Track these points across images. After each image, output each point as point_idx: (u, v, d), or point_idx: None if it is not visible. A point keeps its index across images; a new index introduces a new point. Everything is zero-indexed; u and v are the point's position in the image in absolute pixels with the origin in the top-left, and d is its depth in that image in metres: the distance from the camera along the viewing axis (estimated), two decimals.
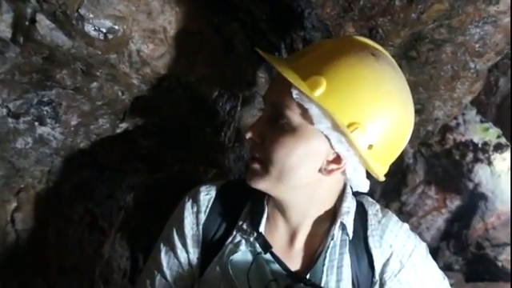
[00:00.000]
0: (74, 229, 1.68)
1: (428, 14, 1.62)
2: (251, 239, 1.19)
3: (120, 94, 1.47)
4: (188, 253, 1.24)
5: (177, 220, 1.26)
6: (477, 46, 1.85)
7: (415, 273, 1.23)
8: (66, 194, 1.63)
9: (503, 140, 4.77)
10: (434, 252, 5.39)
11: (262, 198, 1.22)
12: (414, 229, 5.44)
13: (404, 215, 5.52)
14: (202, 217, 1.23)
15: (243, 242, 1.19)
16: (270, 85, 1.17)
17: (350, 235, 1.20)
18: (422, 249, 1.27)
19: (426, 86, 1.92)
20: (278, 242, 1.20)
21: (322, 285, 1.17)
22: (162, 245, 1.27)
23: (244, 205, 1.25)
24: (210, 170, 1.95)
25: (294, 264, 1.21)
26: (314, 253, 1.21)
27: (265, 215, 1.20)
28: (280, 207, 1.20)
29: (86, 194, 1.69)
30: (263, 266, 1.17)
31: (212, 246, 1.22)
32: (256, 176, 1.13)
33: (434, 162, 5.38)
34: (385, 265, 1.22)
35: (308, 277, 1.18)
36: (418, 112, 2.07)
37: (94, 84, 1.39)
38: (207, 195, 1.26)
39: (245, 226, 1.21)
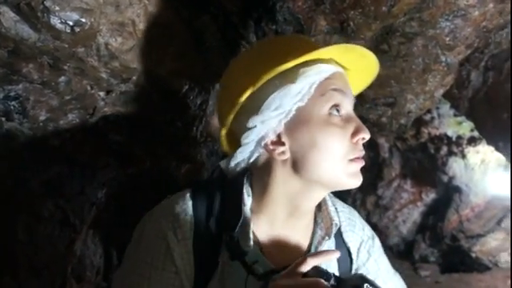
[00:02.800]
0: (45, 226, 1.65)
1: (399, 7, 1.63)
2: (247, 247, 1.11)
3: (89, 88, 1.43)
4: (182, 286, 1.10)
5: (160, 256, 1.10)
6: (447, 39, 1.87)
7: (376, 263, 1.31)
8: (35, 191, 1.59)
9: (476, 133, 4.84)
10: (410, 244, 5.46)
11: (236, 201, 1.12)
12: (391, 222, 5.54)
13: (380, 209, 5.58)
14: (190, 242, 1.10)
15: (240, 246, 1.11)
16: (331, 78, 1.07)
17: (335, 230, 1.22)
18: (379, 241, 1.36)
19: (398, 80, 1.93)
20: (273, 242, 1.17)
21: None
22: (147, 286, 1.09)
23: (222, 211, 1.14)
24: (183, 165, 1.93)
25: (291, 258, 1.21)
26: (308, 246, 1.21)
27: (248, 218, 1.11)
28: (307, 200, 1.15)
29: (56, 190, 1.66)
30: (259, 272, 1.13)
31: (206, 268, 1.12)
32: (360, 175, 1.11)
33: (409, 156, 5.44)
34: (357, 256, 1.30)
35: None
36: (390, 105, 2.09)
37: (62, 78, 1.36)
38: (186, 215, 1.12)
39: (233, 243, 1.10)
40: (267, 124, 1.05)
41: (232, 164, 1.12)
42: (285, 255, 1.17)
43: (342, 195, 1.33)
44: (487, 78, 2.93)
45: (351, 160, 1.06)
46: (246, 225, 1.11)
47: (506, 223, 5.13)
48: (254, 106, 1.05)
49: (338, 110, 1.06)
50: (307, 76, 1.04)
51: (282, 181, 1.11)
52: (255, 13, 1.69)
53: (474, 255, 5.11)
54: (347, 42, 1.71)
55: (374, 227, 5.41)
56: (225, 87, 1.17)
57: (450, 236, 5.26)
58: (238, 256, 1.10)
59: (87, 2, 1.23)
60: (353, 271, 1.29)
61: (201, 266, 1.11)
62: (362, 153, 1.09)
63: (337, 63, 1.11)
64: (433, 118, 5.10)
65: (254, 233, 1.14)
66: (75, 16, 1.22)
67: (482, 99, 3.08)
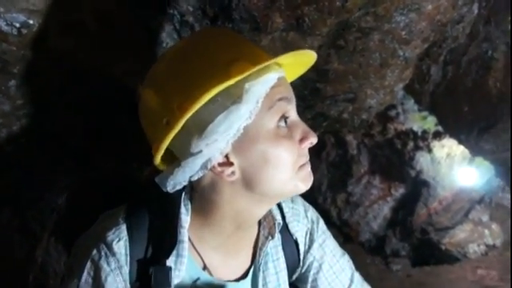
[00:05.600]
0: (2, 233, 1.61)
1: (352, 2, 1.64)
2: (180, 273, 1.08)
3: (41, 91, 1.41)
4: None
5: (90, 286, 1.04)
6: (403, 33, 1.89)
7: (321, 248, 1.33)
8: None
9: (441, 128, 4.91)
10: (382, 240, 5.50)
11: (173, 222, 1.08)
12: (361, 218, 5.58)
13: (351, 205, 5.62)
14: (126, 270, 1.05)
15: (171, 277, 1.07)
16: (276, 87, 1.01)
17: (278, 229, 1.23)
18: (323, 224, 1.37)
19: (356, 75, 1.95)
20: (218, 253, 1.15)
21: (261, 279, 1.20)
22: None
23: (158, 231, 1.09)
24: (145, 167, 1.91)
25: (238, 268, 1.20)
26: (254, 252, 1.22)
27: (185, 243, 1.08)
28: (256, 213, 1.12)
29: (14, 196, 1.63)
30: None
31: None
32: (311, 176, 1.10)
33: (377, 152, 5.49)
34: (304, 245, 1.31)
35: (250, 276, 1.20)
36: (350, 101, 2.11)
37: (12, 82, 1.33)
38: (120, 241, 1.05)
39: (169, 262, 1.07)
40: (213, 147, 0.97)
41: (171, 182, 1.02)
42: (231, 266, 1.18)
43: (312, 194, 1.34)
44: (446, 72, 2.98)
45: (300, 167, 1.05)
46: (183, 249, 1.07)
47: (473, 215, 5.22)
48: (197, 128, 0.96)
49: (285, 121, 1.03)
50: (254, 90, 0.96)
51: (232, 199, 1.06)
52: (211, 11, 1.68)
53: (443, 247, 5.17)
54: (304, 39, 1.74)
55: (345, 224, 5.49)
56: (152, 102, 1.03)
57: (419, 230, 5.32)
58: (163, 286, 1.05)
59: (34, 3, 1.20)
60: (301, 262, 1.31)
61: None
62: (308, 157, 1.08)
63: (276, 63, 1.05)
64: (398, 114, 5.16)
65: (195, 248, 1.12)
66: (22, 17, 1.19)
67: (442, 93, 3.13)
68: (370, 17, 1.78)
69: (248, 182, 1.03)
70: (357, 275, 1.39)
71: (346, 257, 1.39)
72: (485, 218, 5.26)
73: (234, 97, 0.96)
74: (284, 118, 1.02)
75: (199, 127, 0.96)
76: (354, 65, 1.91)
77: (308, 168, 1.07)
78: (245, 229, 1.15)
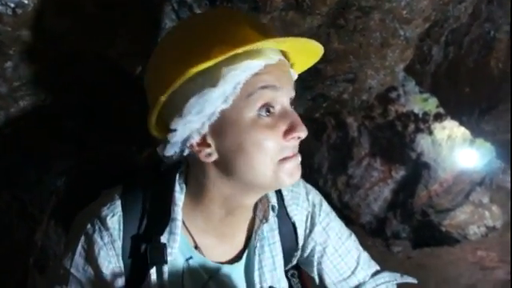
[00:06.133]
0: (2, 217, 1.60)
1: None
2: (173, 250, 1.09)
3: (38, 72, 1.39)
4: None
5: (83, 260, 1.06)
6: (404, 12, 1.86)
7: (324, 231, 1.32)
8: None
9: (442, 109, 4.90)
10: (382, 222, 5.53)
11: (167, 200, 1.10)
12: (362, 200, 5.59)
13: (351, 188, 5.63)
14: (119, 244, 1.06)
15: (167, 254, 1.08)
16: (262, 74, 0.98)
17: (276, 212, 1.22)
18: (327, 206, 1.36)
19: (357, 55, 1.92)
20: (210, 236, 1.15)
21: (256, 263, 1.19)
22: None
23: (152, 209, 1.11)
24: (144, 150, 1.90)
25: (232, 250, 1.20)
26: (249, 235, 1.21)
27: (178, 220, 1.08)
28: (245, 200, 1.11)
29: (12, 180, 1.62)
30: (196, 268, 1.14)
31: (138, 270, 1.08)
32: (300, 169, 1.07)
33: (377, 134, 5.48)
34: (304, 229, 1.30)
35: (244, 258, 1.19)
36: (350, 81, 2.09)
37: (9, 63, 1.30)
38: (114, 216, 1.07)
39: (163, 239, 1.08)
40: (189, 127, 0.98)
41: (164, 153, 1.05)
42: (224, 248, 1.18)
43: (312, 176, 1.33)
44: (448, 53, 2.96)
45: (283, 159, 1.01)
46: (176, 227, 1.08)
47: (474, 196, 5.23)
48: (176, 107, 0.98)
49: (268, 110, 0.99)
50: (232, 76, 0.95)
51: (217, 182, 1.06)
52: None
53: (443, 229, 5.20)
54: (304, 19, 1.71)
55: (346, 206, 5.50)
56: (149, 77, 1.08)
57: (420, 211, 5.34)
58: (158, 262, 1.06)
59: None
60: (299, 246, 1.30)
61: (133, 268, 1.08)
62: (295, 150, 1.04)
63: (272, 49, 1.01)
64: (399, 96, 5.15)
65: (187, 228, 1.13)
66: None
67: (443, 74, 3.11)
68: None
69: (227, 167, 1.02)
70: (364, 256, 1.38)
71: (353, 237, 1.38)
72: (485, 200, 5.27)
73: (211, 80, 0.95)
74: (267, 106, 0.99)
75: (178, 105, 0.97)
76: (355, 44, 1.88)
77: (294, 162, 1.04)
78: (236, 214, 1.14)
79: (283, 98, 1.02)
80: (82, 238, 1.06)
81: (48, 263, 1.93)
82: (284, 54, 1.06)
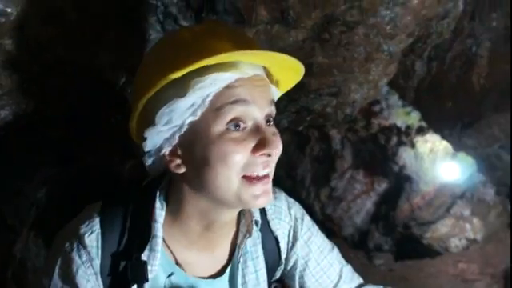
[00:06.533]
0: None
1: None
2: (153, 267, 1.07)
3: (20, 82, 1.38)
4: None
5: (61, 279, 1.04)
6: (388, 27, 1.88)
7: (306, 245, 1.32)
8: None
9: (424, 123, 4.94)
10: (365, 234, 5.53)
11: (147, 216, 1.08)
12: (344, 213, 5.59)
13: (334, 200, 5.63)
14: (97, 263, 1.05)
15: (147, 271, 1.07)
16: (234, 88, 0.98)
17: (259, 226, 1.22)
18: (309, 220, 1.36)
19: (340, 69, 1.93)
20: (190, 252, 1.15)
21: (240, 277, 1.19)
22: None
23: (133, 226, 1.09)
24: (127, 161, 1.89)
25: (214, 265, 1.20)
26: (232, 249, 1.21)
27: (158, 238, 1.07)
28: (220, 216, 1.11)
29: None
30: (178, 285, 1.13)
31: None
32: (271, 194, 1.05)
33: (360, 147, 5.50)
34: (286, 243, 1.29)
35: (227, 273, 1.19)
36: (334, 95, 2.10)
37: None
38: (92, 234, 1.05)
39: (143, 257, 1.06)
40: (160, 136, 0.99)
41: (146, 164, 1.06)
42: (205, 263, 1.17)
43: (295, 188, 1.33)
44: (431, 68, 2.99)
45: (251, 178, 1.00)
46: (156, 244, 1.06)
47: (455, 209, 5.25)
48: (149, 116, 0.99)
49: (237, 125, 0.98)
50: (200, 88, 0.94)
51: (190, 197, 1.06)
52: (195, 3, 1.66)
53: (425, 242, 5.21)
54: (288, 32, 1.72)
55: (329, 218, 5.50)
56: (134, 84, 1.10)
57: (402, 224, 5.35)
58: (139, 280, 1.05)
59: None
60: (282, 260, 1.29)
61: (112, 287, 1.07)
62: (266, 170, 1.02)
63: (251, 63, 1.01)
64: (382, 109, 5.17)
65: (167, 245, 1.12)
66: None
67: (426, 89, 3.14)
68: (355, 10, 1.77)
69: (194, 181, 1.02)
70: (346, 269, 1.37)
71: (335, 250, 1.38)
72: (466, 213, 5.30)
73: (180, 90, 0.95)
74: (237, 121, 0.98)
75: (151, 114, 0.99)
76: (339, 58, 1.90)
77: (263, 185, 1.02)
78: (215, 230, 1.13)
79: (256, 113, 1.00)
80: (60, 257, 1.05)
81: (27, 276, 1.90)
82: (266, 70, 1.06)
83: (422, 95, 3.23)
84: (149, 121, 0.99)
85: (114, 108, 1.61)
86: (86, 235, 1.05)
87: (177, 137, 0.99)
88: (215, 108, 0.96)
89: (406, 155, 5.22)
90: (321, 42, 1.82)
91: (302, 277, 1.32)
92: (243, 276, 1.19)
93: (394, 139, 5.25)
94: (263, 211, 1.25)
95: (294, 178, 5.61)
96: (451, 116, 3.18)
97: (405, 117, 5.15)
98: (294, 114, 2.20)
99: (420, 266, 5.04)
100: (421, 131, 5.13)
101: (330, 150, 5.62)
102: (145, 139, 1.00)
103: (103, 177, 1.89)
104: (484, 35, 2.72)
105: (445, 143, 4.85)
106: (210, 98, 0.96)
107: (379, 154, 5.39)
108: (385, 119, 5.20)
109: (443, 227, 5.24)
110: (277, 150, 1.01)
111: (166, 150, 1.01)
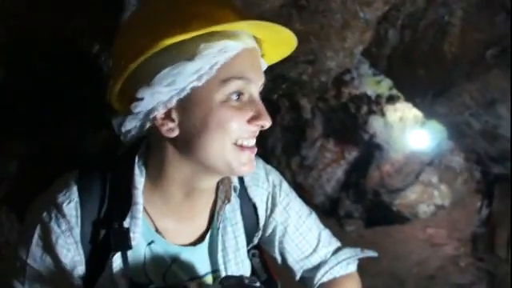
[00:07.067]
0: None
1: None
2: (135, 235, 1.06)
3: None
4: (70, 282, 1.04)
5: (41, 249, 1.03)
6: None
7: (285, 211, 1.32)
8: None
9: (394, 92, 4.98)
10: (335, 202, 5.61)
11: (127, 183, 1.07)
12: (315, 181, 5.65)
13: (305, 169, 5.68)
14: (77, 231, 1.03)
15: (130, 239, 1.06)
16: (238, 61, 0.98)
17: (237, 192, 1.22)
18: (286, 186, 1.36)
19: (317, 36, 1.92)
20: (170, 219, 1.14)
21: (220, 243, 1.19)
22: (23, 287, 1.03)
23: (112, 194, 1.07)
24: (100, 132, 1.85)
25: (193, 233, 1.19)
26: (211, 216, 1.20)
27: (139, 204, 1.06)
28: (202, 183, 1.10)
29: None
30: (158, 253, 1.12)
31: (99, 257, 1.05)
32: (254, 162, 1.07)
33: (331, 116, 5.53)
34: (265, 210, 1.30)
35: (207, 240, 1.18)
36: (310, 63, 2.09)
37: None
38: (70, 202, 1.03)
39: (125, 224, 1.05)
40: (157, 98, 0.96)
41: (122, 129, 1.03)
42: (185, 230, 1.17)
43: (266, 157, 1.32)
44: (404, 36, 2.99)
45: (242, 146, 1.02)
46: (137, 211, 1.06)
47: (424, 176, 5.35)
48: (145, 76, 0.96)
49: (238, 96, 1.00)
50: (208, 54, 0.94)
51: (174, 162, 1.05)
52: None
53: (395, 208, 5.31)
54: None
55: (300, 187, 5.54)
56: (119, 44, 1.04)
57: (372, 192, 5.43)
58: (122, 247, 1.04)
59: None
60: (260, 226, 1.29)
61: (93, 255, 1.06)
62: (254, 140, 1.05)
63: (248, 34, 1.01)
64: (353, 79, 5.18)
65: (147, 212, 1.11)
66: None
67: (399, 57, 3.15)
68: None
69: (186, 145, 1.01)
70: (324, 233, 1.38)
71: (313, 215, 1.39)
72: (434, 180, 5.41)
73: (187, 53, 0.94)
74: (238, 93, 1.00)
75: (148, 75, 0.96)
76: (316, 25, 1.88)
77: (250, 154, 1.05)
78: (195, 197, 1.13)
79: (254, 87, 1.03)
80: (38, 227, 1.03)
81: (0, 251, 1.86)
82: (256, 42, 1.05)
83: (394, 63, 3.24)
84: (139, 82, 0.96)
85: (87, 77, 1.56)
86: (65, 204, 1.03)
87: (175, 100, 0.97)
88: (221, 79, 0.96)
89: (376, 124, 5.27)
90: (298, 9, 1.79)
91: (281, 242, 1.34)
92: (223, 242, 1.19)
93: (365, 108, 5.29)
94: (241, 178, 1.25)
95: (265, 147, 5.63)
96: (423, 84, 3.21)
97: (375, 86, 5.18)
98: (270, 82, 2.18)
99: (390, 231, 5.14)
100: (391, 100, 5.17)
101: (301, 120, 5.63)
102: (138, 99, 0.97)
103: (76, 149, 1.85)
104: (456, 4, 2.72)
105: (414, 111, 4.91)
106: (217, 67, 0.96)
107: (349, 122, 5.43)
108: (355, 88, 5.22)
109: (412, 194, 5.34)
110: (270, 122, 1.03)
111: (159, 113, 0.98)
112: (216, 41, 0.95)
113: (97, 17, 1.46)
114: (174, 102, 0.98)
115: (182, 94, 0.97)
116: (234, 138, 1.01)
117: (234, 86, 0.98)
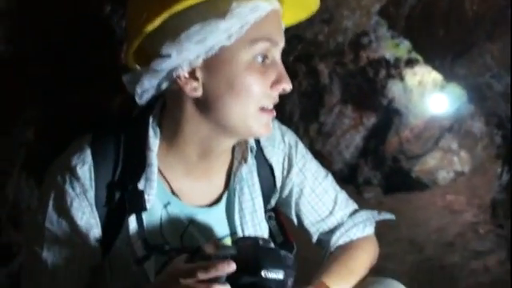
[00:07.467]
0: None
1: None
2: (150, 197, 1.05)
3: (4, 19, 1.29)
4: (86, 244, 1.04)
5: (57, 213, 1.03)
6: None
7: (301, 173, 1.30)
8: None
9: (413, 55, 4.89)
10: (354, 169, 5.59)
11: (141, 145, 1.05)
12: (334, 148, 5.62)
13: (323, 135, 5.65)
14: (91, 194, 1.03)
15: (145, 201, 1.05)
16: (266, 22, 0.97)
17: (254, 153, 1.20)
18: (302, 147, 1.33)
19: None
20: (186, 180, 1.12)
21: (237, 204, 1.17)
22: (42, 251, 1.02)
23: (126, 156, 1.06)
24: (116, 96, 1.83)
25: (210, 194, 1.17)
26: (227, 177, 1.19)
27: (154, 166, 1.05)
28: (219, 144, 1.09)
29: None
30: (175, 214, 1.11)
31: (114, 219, 1.05)
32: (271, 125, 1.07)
33: (349, 81, 5.47)
34: (281, 171, 1.28)
35: (224, 201, 1.17)
36: (326, 22, 2.03)
37: None
38: (84, 165, 1.03)
39: (140, 186, 1.04)
40: (184, 55, 0.94)
41: (139, 90, 1.00)
42: (202, 191, 1.15)
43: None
44: None
45: (263, 109, 1.01)
46: (152, 173, 1.05)
47: (443, 142, 5.30)
48: (171, 31, 0.94)
49: (263, 59, 0.98)
50: (239, 13, 0.92)
51: (193, 121, 1.03)
52: None
53: (414, 175, 5.28)
54: None
55: (318, 154, 5.52)
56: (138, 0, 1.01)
57: (391, 158, 5.40)
58: (137, 209, 1.03)
59: None
60: (277, 187, 1.28)
61: (109, 218, 1.05)
62: (275, 102, 1.04)
63: None
64: (370, 42, 5.10)
65: (163, 174, 1.09)
66: None
67: (417, 17, 3.07)
68: None
69: (208, 105, 1.00)
70: (341, 195, 1.36)
71: (330, 177, 1.36)
72: (454, 146, 5.35)
73: (217, 11, 0.92)
74: (264, 55, 0.98)
75: (174, 31, 0.93)
76: None
77: (270, 116, 1.04)
78: (211, 158, 1.11)
79: (277, 50, 1.01)
80: (53, 191, 1.03)
81: (21, 217, 1.87)
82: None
83: (412, 24, 3.15)
84: (164, 38, 0.94)
85: (100, 40, 1.54)
86: (78, 167, 1.02)
87: (201, 59, 0.95)
88: (250, 39, 0.95)
89: (394, 88, 5.20)
90: None
91: (297, 204, 1.31)
92: (240, 203, 1.18)
93: (383, 72, 5.22)
94: (257, 139, 1.23)
95: (283, 113, 5.59)
96: (443, 45, 3.12)
97: (393, 49, 5.09)
98: (285, 44, 2.14)
99: (409, 198, 5.12)
100: (410, 63, 5.10)
101: (318, 85, 5.58)
102: (163, 56, 0.94)
103: (92, 113, 1.84)
104: None
105: (434, 75, 4.83)
106: (247, 27, 0.94)
107: (368, 87, 5.37)
108: (373, 52, 5.14)
109: (431, 160, 5.30)
110: (291, 85, 1.03)
111: (184, 71, 0.96)
112: (246, 1, 0.93)
113: None
114: (200, 61, 0.95)
115: (210, 53, 0.95)
116: (257, 102, 1.00)
117: (262, 47, 0.96)
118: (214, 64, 0.96)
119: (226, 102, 0.98)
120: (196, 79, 0.97)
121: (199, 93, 0.98)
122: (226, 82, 0.97)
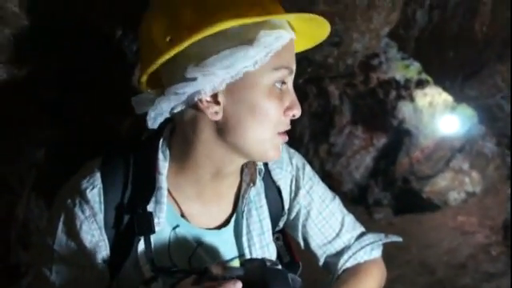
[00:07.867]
0: None
1: None
2: (160, 220, 1.06)
3: (12, 38, 1.31)
4: (95, 266, 1.05)
5: (66, 235, 1.04)
6: None
7: (308, 195, 1.30)
8: None
9: (423, 76, 4.90)
10: (364, 189, 5.56)
11: (150, 168, 1.07)
12: (344, 168, 5.61)
13: (333, 156, 5.64)
14: (101, 217, 1.04)
15: (154, 223, 1.06)
16: (286, 50, 1.00)
17: (262, 175, 1.21)
18: (310, 169, 1.34)
19: (342, 17, 1.88)
20: (196, 203, 1.13)
21: (245, 227, 1.18)
22: (51, 272, 1.04)
23: (135, 179, 1.07)
24: (125, 119, 1.84)
25: (218, 216, 1.18)
26: (236, 200, 1.19)
27: (163, 189, 1.06)
28: (231, 165, 1.10)
29: None
30: (184, 236, 1.11)
31: (123, 242, 1.06)
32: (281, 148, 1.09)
33: (359, 102, 5.48)
34: (289, 193, 1.28)
35: (232, 223, 1.18)
36: (336, 45, 2.05)
37: None
38: (94, 188, 1.04)
39: (149, 208, 1.05)
40: (209, 79, 0.94)
41: (152, 114, 1.01)
42: (210, 214, 1.16)
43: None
44: (432, 17, 2.92)
45: (279, 134, 1.03)
46: (161, 196, 1.05)
47: (454, 163, 5.27)
48: (197, 56, 0.94)
49: (280, 85, 1.00)
50: (265, 41, 0.94)
51: (208, 143, 1.03)
52: None
53: (424, 196, 5.25)
54: None
55: (328, 174, 5.51)
56: (160, 18, 1.00)
57: (401, 179, 5.37)
58: (146, 232, 1.04)
59: None
60: (285, 209, 1.28)
61: (117, 240, 1.05)
62: (287, 128, 1.05)
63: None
64: (381, 63, 5.12)
65: (172, 196, 1.10)
66: None
67: (427, 39, 3.08)
68: None
69: (227, 129, 1.00)
70: (348, 218, 1.36)
71: (337, 200, 1.36)
72: (465, 166, 5.32)
73: (245, 38, 0.94)
74: (282, 82, 1.00)
75: (200, 55, 0.94)
76: (341, 6, 1.83)
77: (284, 139, 1.05)
78: (220, 180, 1.12)
79: (291, 78, 1.04)
80: (63, 214, 1.03)
81: (30, 237, 1.88)
82: None
83: (422, 45, 3.17)
84: (187, 62, 0.94)
85: (111, 62, 1.56)
86: (88, 190, 1.03)
87: (225, 84, 0.96)
88: (272, 66, 0.97)
89: (405, 109, 5.20)
90: None
91: (304, 226, 1.32)
92: (248, 225, 1.18)
93: (393, 93, 5.22)
94: (264, 162, 1.24)
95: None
96: (453, 66, 3.13)
97: (404, 70, 5.10)
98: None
99: (419, 219, 5.08)
100: (420, 84, 5.10)
101: (329, 106, 5.59)
102: (188, 79, 0.95)
103: (101, 135, 1.85)
104: None
105: (444, 96, 4.83)
106: (271, 54, 0.96)
107: (378, 108, 5.37)
108: (384, 73, 5.16)
109: (442, 181, 5.27)
110: (300, 112, 1.04)
111: (206, 95, 0.97)
112: (271, 29, 0.95)
113: (119, 2, 1.45)
114: (224, 85, 0.96)
115: (235, 78, 0.96)
116: (274, 127, 1.01)
117: (282, 74, 0.99)
118: (236, 89, 0.97)
119: (246, 126, 0.99)
120: (218, 103, 0.98)
121: (219, 116, 0.99)
122: (248, 107, 0.98)
